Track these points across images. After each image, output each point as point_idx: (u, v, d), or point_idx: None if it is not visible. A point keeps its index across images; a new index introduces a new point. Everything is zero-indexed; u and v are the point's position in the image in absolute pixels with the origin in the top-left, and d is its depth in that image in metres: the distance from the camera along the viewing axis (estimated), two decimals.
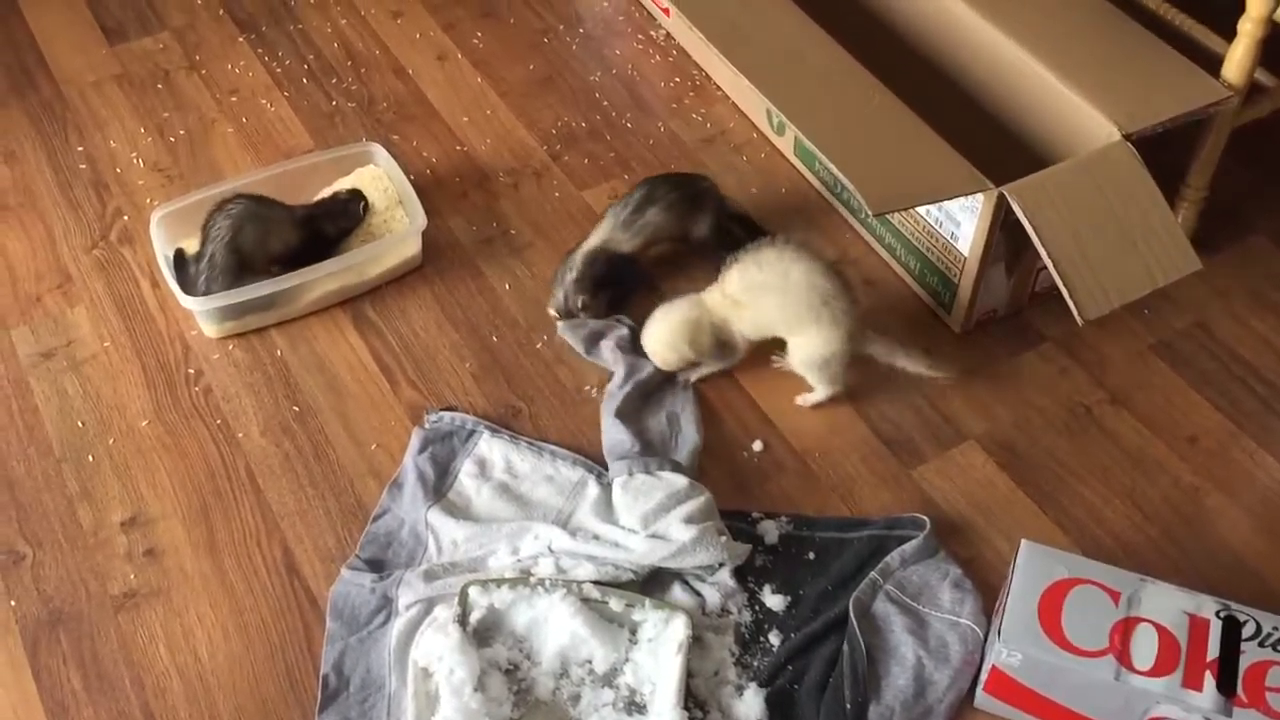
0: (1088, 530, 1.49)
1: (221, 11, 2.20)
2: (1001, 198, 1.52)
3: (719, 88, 2.06)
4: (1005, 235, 1.58)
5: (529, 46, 2.14)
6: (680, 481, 1.48)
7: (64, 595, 1.44)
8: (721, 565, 1.43)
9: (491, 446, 1.56)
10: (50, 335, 1.71)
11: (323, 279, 1.70)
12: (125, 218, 1.86)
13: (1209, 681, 1.21)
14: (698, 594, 1.42)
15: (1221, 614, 1.26)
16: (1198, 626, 1.25)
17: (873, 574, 1.43)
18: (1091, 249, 1.49)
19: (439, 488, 1.52)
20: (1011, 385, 1.64)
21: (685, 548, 1.40)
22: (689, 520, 1.43)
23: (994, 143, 1.72)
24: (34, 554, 1.48)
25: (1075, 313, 1.45)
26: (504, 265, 1.80)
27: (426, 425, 1.59)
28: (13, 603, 1.43)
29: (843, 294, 1.54)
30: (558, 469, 1.54)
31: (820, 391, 1.60)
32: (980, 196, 1.54)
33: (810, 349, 1.56)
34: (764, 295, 1.55)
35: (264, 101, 2.04)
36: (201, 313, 1.67)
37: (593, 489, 1.51)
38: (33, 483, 1.54)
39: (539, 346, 1.69)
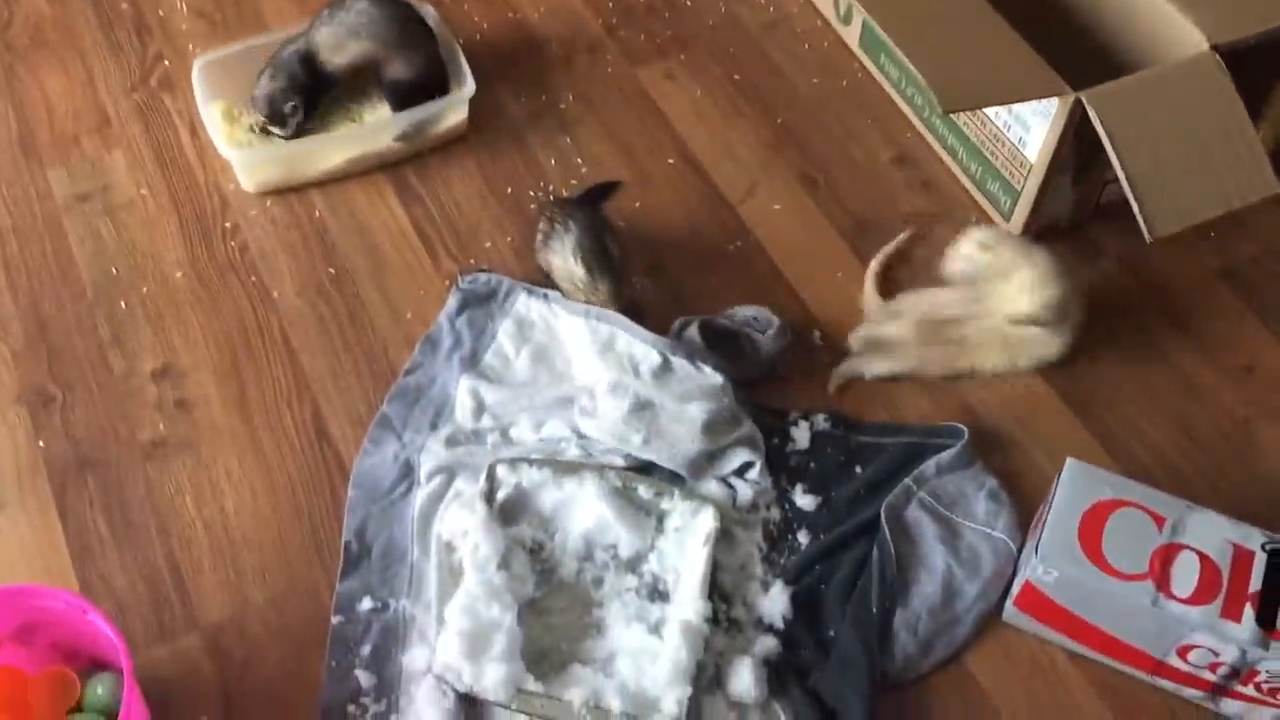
0: (1134, 453, 1.46)
1: None
2: (1078, 104, 1.45)
3: None
4: (1076, 144, 1.51)
5: None
6: (716, 380, 1.45)
7: (93, 440, 1.43)
8: (752, 464, 1.40)
9: (529, 306, 1.53)
10: (86, 178, 1.67)
11: (363, 139, 1.66)
12: (166, 63, 1.81)
13: (1248, 614, 1.19)
14: (730, 487, 1.40)
15: (1268, 546, 1.23)
16: (1242, 557, 1.22)
17: (907, 480, 1.40)
18: (1167, 164, 1.42)
19: (475, 351, 1.50)
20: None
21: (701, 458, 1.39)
22: (709, 428, 1.40)
23: (1075, 47, 1.64)
24: (64, 396, 1.47)
25: (1145, 229, 1.39)
26: (551, 139, 1.74)
27: (463, 285, 1.55)
28: (41, 444, 1.43)
29: None
30: (594, 328, 1.50)
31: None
32: (1055, 101, 1.47)
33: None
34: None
35: None
36: (241, 165, 1.63)
37: (621, 342, 1.48)
38: (64, 325, 1.53)
39: None
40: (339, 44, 1.64)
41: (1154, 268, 1.62)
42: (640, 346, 1.47)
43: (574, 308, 1.51)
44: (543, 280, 1.56)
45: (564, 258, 1.49)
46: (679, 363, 1.45)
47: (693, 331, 1.48)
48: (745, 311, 1.53)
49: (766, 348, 1.50)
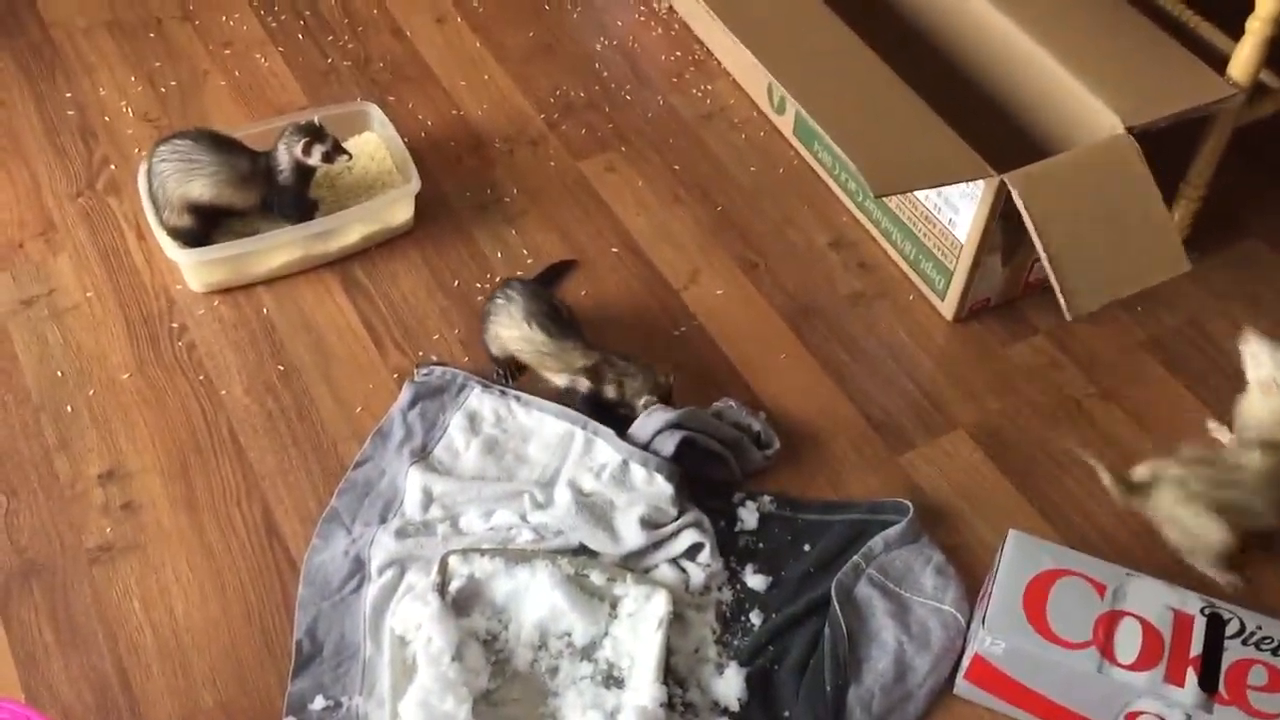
0: (1073, 523, 1.49)
1: None
2: (1002, 185, 1.51)
3: (720, 64, 2.04)
4: (1003, 224, 1.57)
5: (529, 13, 2.11)
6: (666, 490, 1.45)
7: (38, 546, 1.42)
8: (702, 546, 1.42)
9: (482, 400, 1.55)
10: (32, 282, 1.68)
11: (310, 238, 1.68)
12: (113, 167, 1.83)
13: (1191, 677, 1.21)
14: (681, 570, 1.41)
15: (1206, 610, 1.26)
16: (1182, 622, 1.25)
17: (855, 557, 1.42)
18: (1087, 243, 1.48)
19: (425, 444, 1.51)
20: (1002, 375, 1.64)
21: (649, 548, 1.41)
22: (648, 523, 1.41)
23: (996, 130, 1.71)
24: (8, 502, 1.45)
25: (1065, 308, 1.44)
26: (496, 232, 1.78)
27: (417, 378, 1.57)
28: None
29: None
30: (544, 424, 1.53)
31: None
32: (981, 183, 1.53)
33: None
34: None
35: (258, 55, 2.01)
36: (188, 265, 1.65)
37: (579, 441, 1.50)
38: (9, 430, 1.52)
39: None
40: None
41: (1083, 341, 1.68)
42: (603, 447, 1.49)
43: (542, 405, 1.53)
44: (498, 367, 1.58)
45: (517, 326, 1.52)
46: (636, 469, 1.47)
47: (667, 444, 1.46)
48: (734, 414, 1.54)
49: (755, 463, 1.51)
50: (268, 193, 1.66)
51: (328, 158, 1.64)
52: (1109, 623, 1.25)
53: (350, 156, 1.68)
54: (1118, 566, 1.30)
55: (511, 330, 1.53)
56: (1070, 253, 1.47)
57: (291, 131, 1.64)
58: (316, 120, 1.66)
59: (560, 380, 1.53)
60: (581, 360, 1.51)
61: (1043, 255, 1.46)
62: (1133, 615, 1.25)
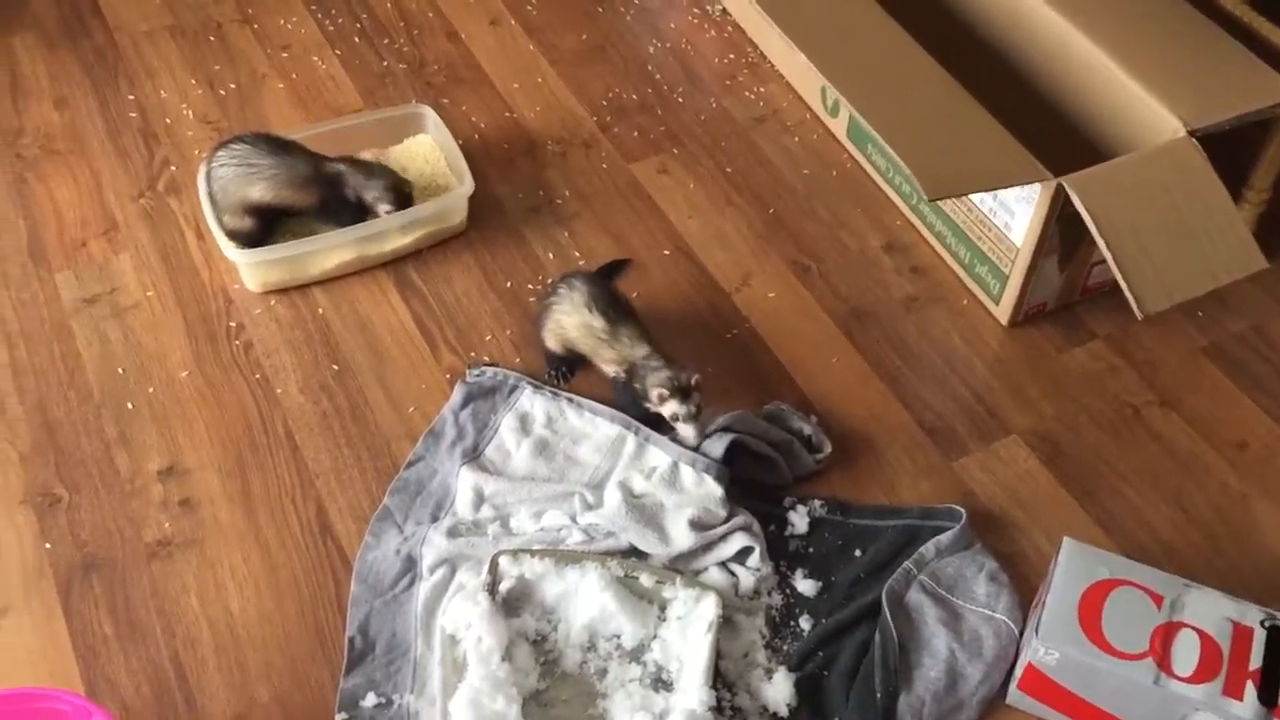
0: (1130, 532, 1.47)
1: None
2: (1060, 189, 1.49)
3: (773, 66, 2.03)
4: (1061, 227, 1.55)
5: (582, 15, 2.12)
6: (716, 492, 1.45)
7: (99, 540, 1.45)
8: (752, 550, 1.41)
9: (534, 402, 1.56)
10: (94, 281, 1.71)
11: (364, 240, 1.69)
12: (173, 168, 1.86)
13: (1250, 691, 1.19)
14: (730, 574, 1.41)
15: (1266, 623, 1.23)
16: (1241, 634, 1.23)
17: (907, 563, 1.41)
18: (1151, 244, 1.46)
19: (477, 444, 1.52)
20: (1058, 381, 1.62)
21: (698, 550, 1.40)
22: (698, 524, 1.41)
23: (1054, 133, 1.69)
24: (70, 497, 1.48)
25: (1135, 307, 1.41)
26: (548, 234, 1.78)
27: (469, 378, 1.58)
28: (48, 545, 1.44)
29: None
30: (596, 426, 1.53)
31: None
32: (1037, 186, 1.52)
33: None
34: None
35: (315, 59, 2.03)
36: (245, 265, 1.67)
37: (630, 445, 1.51)
38: (71, 426, 1.55)
39: None
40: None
41: (1143, 347, 1.65)
42: (654, 451, 1.49)
43: (595, 407, 1.54)
44: (551, 366, 1.59)
45: (578, 311, 1.52)
46: (686, 470, 1.47)
47: (716, 446, 1.47)
48: (785, 418, 1.53)
49: (806, 466, 1.51)
50: (329, 198, 1.69)
51: (394, 203, 1.69)
52: (1166, 634, 1.23)
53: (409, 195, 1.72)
54: (1176, 577, 1.28)
55: (573, 317, 1.53)
56: (1135, 253, 1.44)
57: (385, 189, 1.68)
58: (408, 189, 1.71)
59: (610, 370, 1.54)
60: (633, 351, 1.51)
61: (1107, 255, 1.44)
62: (1191, 627, 1.23)
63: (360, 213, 1.70)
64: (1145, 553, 1.44)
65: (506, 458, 1.52)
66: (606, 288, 1.57)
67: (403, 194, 1.70)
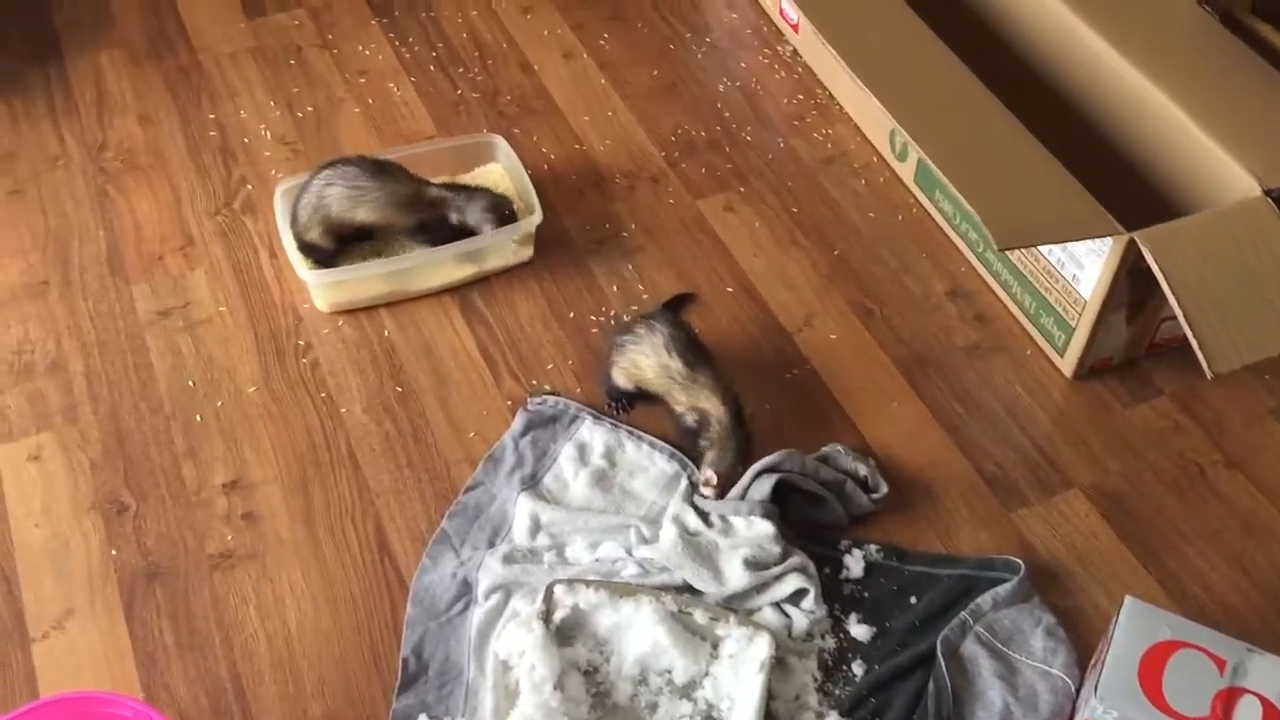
0: (1191, 593, 1.45)
1: None
2: (1131, 243, 1.48)
3: (842, 108, 2.04)
4: (1130, 282, 1.54)
5: (655, 52, 2.14)
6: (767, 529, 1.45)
7: (163, 549, 1.47)
8: (807, 592, 1.41)
9: (593, 433, 1.57)
10: (169, 295, 1.75)
11: (432, 266, 1.72)
12: (249, 187, 1.90)
13: None
14: (784, 615, 1.41)
15: None
16: None
17: (963, 614, 1.40)
18: (1223, 302, 1.44)
19: (535, 472, 1.53)
20: (1122, 436, 1.60)
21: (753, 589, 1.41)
22: (754, 564, 1.42)
23: (1123, 184, 1.69)
24: (137, 506, 1.51)
25: (1205, 365, 1.40)
26: (613, 267, 1.80)
27: (530, 406, 1.60)
28: (114, 551, 1.47)
29: None
30: (654, 461, 1.54)
31: None
32: (1108, 240, 1.51)
33: None
34: None
35: (391, 85, 2.07)
36: (315, 285, 1.70)
37: (685, 483, 1.52)
38: (141, 437, 1.58)
39: None
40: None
41: (1209, 406, 1.63)
42: (688, 483, 1.51)
43: (654, 442, 1.56)
44: (612, 399, 1.60)
45: (657, 354, 1.53)
46: (736, 520, 1.47)
47: (763, 486, 1.47)
48: (841, 459, 1.53)
49: (862, 507, 1.51)
50: (430, 220, 1.72)
51: (496, 222, 1.73)
52: (1228, 699, 1.21)
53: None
54: (1239, 642, 1.26)
55: (650, 358, 1.54)
56: (1207, 311, 1.43)
57: (487, 208, 1.72)
58: (510, 208, 1.75)
59: (679, 409, 1.54)
60: (705, 397, 1.51)
61: (1178, 313, 1.43)
62: (1253, 693, 1.21)
63: (458, 234, 1.72)
64: (1206, 615, 1.42)
65: (564, 487, 1.53)
66: (686, 331, 1.57)
67: (503, 213, 1.73)
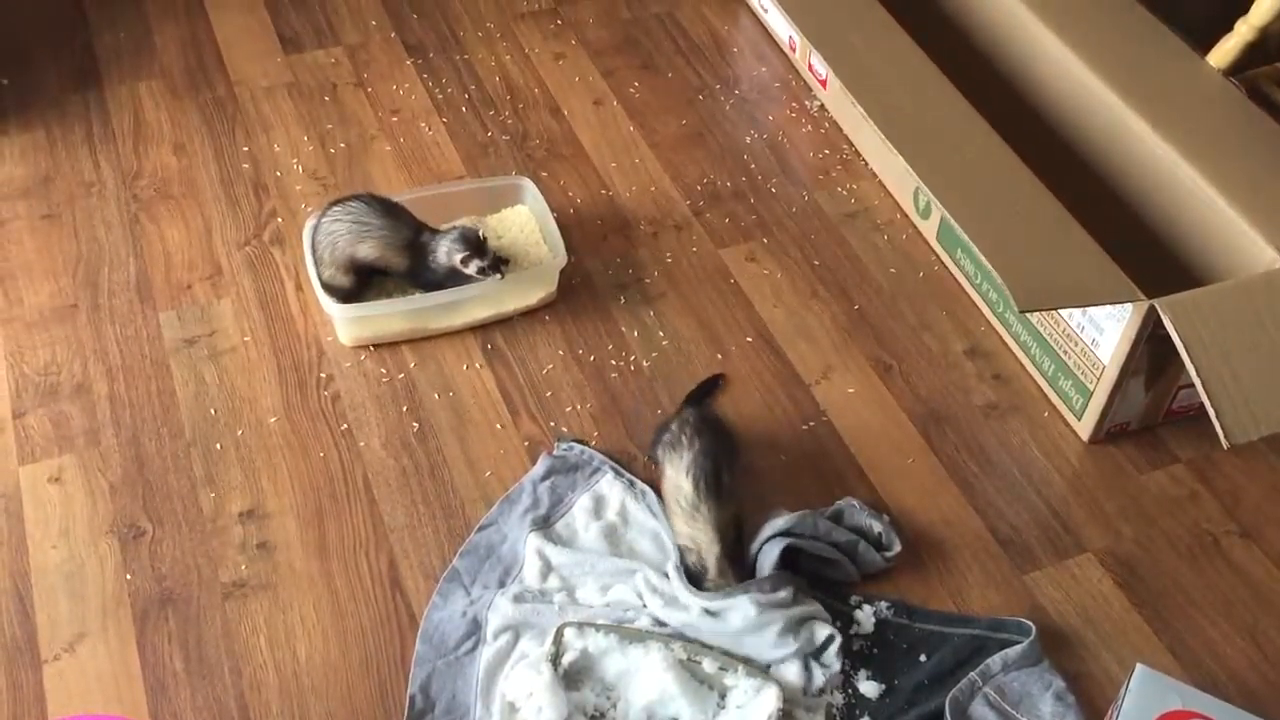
0: (1202, 663, 1.44)
1: (394, 34, 2.27)
2: (1152, 309, 1.49)
3: (867, 164, 2.06)
4: (1149, 348, 1.55)
5: (684, 102, 2.17)
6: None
7: (177, 576, 1.48)
8: (834, 639, 1.41)
9: (612, 487, 1.57)
10: (195, 323, 1.77)
11: (456, 305, 1.74)
12: (279, 220, 1.93)
13: None
14: (806, 670, 1.40)
15: None
16: None
17: (973, 674, 1.39)
18: (1242, 373, 1.45)
19: (549, 516, 1.54)
20: (1137, 503, 1.60)
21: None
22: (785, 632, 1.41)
23: (1146, 252, 1.70)
24: (154, 531, 1.52)
25: (1222, 436, 1.40)
26: (635, 312, 1.82)
27: (556, 452, 1.60)
28: (128, 576, 1.48)
29: None
30: (663, 524, 1.53)
31: None
32: (1129, 305, 1.52)
33: None
34: None
35: (423, 124, 2.10)
36: (340, 320, 1.72)
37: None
38: (161, 462, 1.60)
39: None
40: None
41: (1225, 476, 1.63)
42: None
43: (650, 502, 1.55)
44: (637, 463, 1.60)
45: (677, 470, 1.47)
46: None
47: (772, 551, 1.44)
48: (855, 515, 1.52)
49: (875, 564, 1.50)
50: (418, 266, 1.74)
51: (483, 272, 1.71)
52: None
53: (503, 276, 1.72)
54: (1248, 714, 1.26)
55: (670, 468, 1.49)
56: (1225, 382, 1.44)
57: (456, 239, 1.71)
58: (481, 234, 1.73)
59: (680, 540, 1.48)
60: (703, 530, 1.45)
61: (1197, 382, 1.43)
62: None
63: (445, 276, 1.72)
64: (1217, 685, 1.41)
65: (574, 535, 1.53)
66: (716, 461, 1.47)
67: (471, 241, 1.70)
